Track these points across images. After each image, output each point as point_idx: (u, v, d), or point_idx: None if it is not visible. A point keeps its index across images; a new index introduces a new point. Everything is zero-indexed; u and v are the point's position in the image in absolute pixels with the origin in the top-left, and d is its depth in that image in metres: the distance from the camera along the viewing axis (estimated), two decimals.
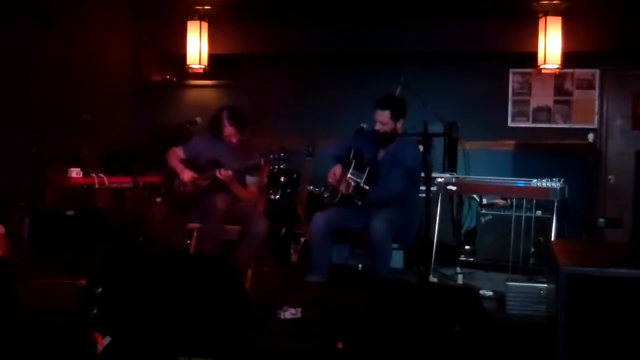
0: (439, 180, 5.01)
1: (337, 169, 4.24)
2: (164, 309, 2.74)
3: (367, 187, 4.04)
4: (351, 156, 4.22)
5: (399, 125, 4.16)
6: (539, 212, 4.93)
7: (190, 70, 6.73)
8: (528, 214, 4.92)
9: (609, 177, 6.36)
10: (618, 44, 5.97)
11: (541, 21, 6.03)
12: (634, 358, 2.45)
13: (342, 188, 4.14)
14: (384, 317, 2.62)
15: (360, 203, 4.06)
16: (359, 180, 4.08)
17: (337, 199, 4.19)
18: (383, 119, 4.11)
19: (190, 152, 4.38)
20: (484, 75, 6.50)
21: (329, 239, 4.11)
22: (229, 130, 4.28)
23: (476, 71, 6.46)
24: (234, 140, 4.30)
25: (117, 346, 2.68)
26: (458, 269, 4.91)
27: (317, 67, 6.84)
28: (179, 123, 5.06)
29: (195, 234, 4.16)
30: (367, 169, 4.08)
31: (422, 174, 4.30)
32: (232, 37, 6.81)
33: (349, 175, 4.14)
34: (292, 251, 5.11)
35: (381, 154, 4.23)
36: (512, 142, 6.43)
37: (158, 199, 4.91)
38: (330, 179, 4.24)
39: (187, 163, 4.32)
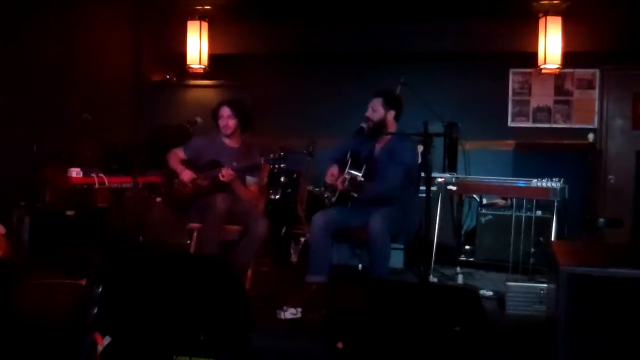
0: (439, 180, 5.01)
1: (334, 169, 4.25)
2: (164, 309, 2.75)
3: (362, 179, 4.05)
4: (348, 155, 4.24)
5: (390, 116, 4.19)
6: (539, 212, 4.93)
7: (190, 70, 6.74)
8: (528, 214, 4.91)
9: (609, 177, 6.36)
10: (618, 44, 5.98)
11: (541, 21, 6.03)
12: (634, 358, 2.45)
13: (339, 184, 4.14)
14: (384, 317, 2.62)
15: (356, 195, 4.05)
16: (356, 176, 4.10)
17: (336, 197, 4.19)
18: (375, 106, 4.18)
19: (190, 152, 4.38)
20: (484, 75, 6.50)
21: (329, 239, 4.10)
22: (225, 110, 4.28)
23: (476, 71, 6.46)
24: (228, 123, 4.27)
25: (117, 346, 2.68)
26: (458, 269, 4.91)
27: (318, 66, 6.84)
28: (179, 123, 5.05)
29: (195, 234, 4.16)
30: (364, 166, 4.10)
31: (422, 174, 4.31)
32: (232, 37, 6.81)
33: (346, 172, 4.14)
34: (292, 251, 5.11)
35: (377, 150, 4.24)
36: (512, 142, 6.44)
37: (158, 199, 4.91)
38: (329, 180, 4.25)
39: (187, 163, 4.32)
